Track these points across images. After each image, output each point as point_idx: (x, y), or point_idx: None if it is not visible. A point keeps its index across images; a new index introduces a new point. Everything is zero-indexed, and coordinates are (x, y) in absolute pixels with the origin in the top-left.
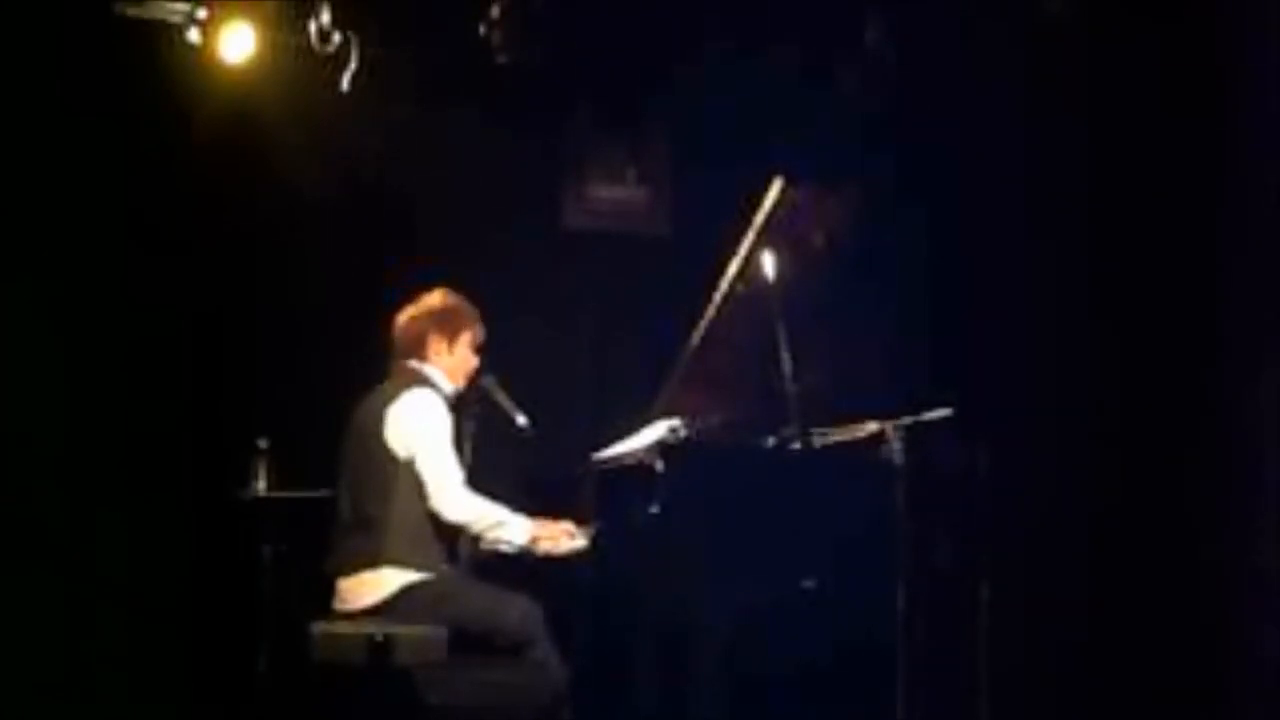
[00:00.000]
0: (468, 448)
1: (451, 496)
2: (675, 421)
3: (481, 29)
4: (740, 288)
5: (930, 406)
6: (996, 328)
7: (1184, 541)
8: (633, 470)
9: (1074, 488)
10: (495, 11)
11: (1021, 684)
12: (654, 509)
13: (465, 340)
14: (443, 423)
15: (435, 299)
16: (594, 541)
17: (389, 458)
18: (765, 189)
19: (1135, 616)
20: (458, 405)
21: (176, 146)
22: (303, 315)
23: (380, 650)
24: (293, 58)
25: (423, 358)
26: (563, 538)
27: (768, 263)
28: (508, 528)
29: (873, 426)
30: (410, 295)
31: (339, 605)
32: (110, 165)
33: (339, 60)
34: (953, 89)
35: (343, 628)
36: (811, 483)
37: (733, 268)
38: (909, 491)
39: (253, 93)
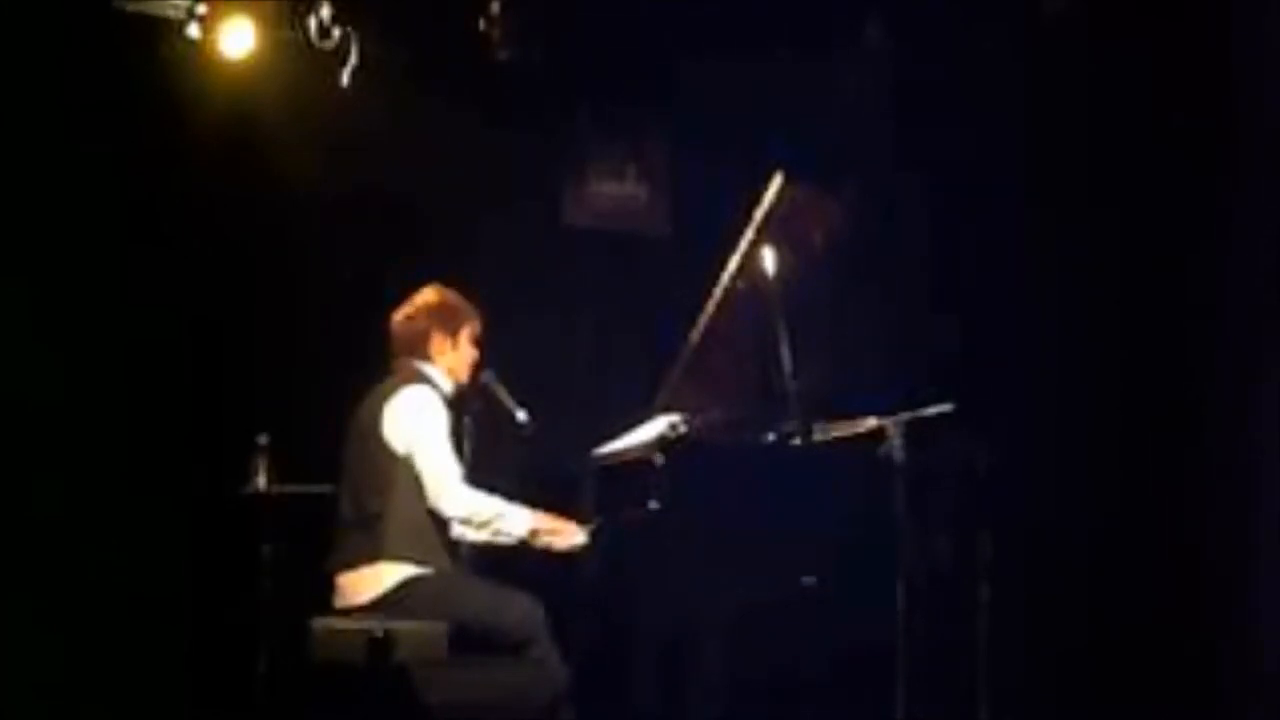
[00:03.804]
0: (468, 444)
1: (450, 493)
2: (675, 417)
3: (481, 25)
4: (740, 284)
5: (930, 403)
6: (996, 326)
7: (1184, 541)
8: (633, 466)
9: (1074, 486)
10: (495, 8)
11: (1021, 684)
12: (654, 505)
13: (466, 335)
14: (439, 419)
15: (431, 296)
16: (593, 538)
17: (387, 454)
18: (765, 186)
19: (1135, 616)
20: (458, 402)
21: (176, 142)
22: (303, 313)
23: (380, 647)
24: (292, 54)
25: (425, 356)
26: (562, 532)
27: (768, 259)
28: (507, 519)
29: (872, 423)
30: (411, 293)
31: (339, 601)
32: (109, 161)
33: (339, 56)
34: (953, 89)
35: (342, 623)
36: (811, 479)
37: (733, 264)
38: (909, 488)
39: (252, 89)
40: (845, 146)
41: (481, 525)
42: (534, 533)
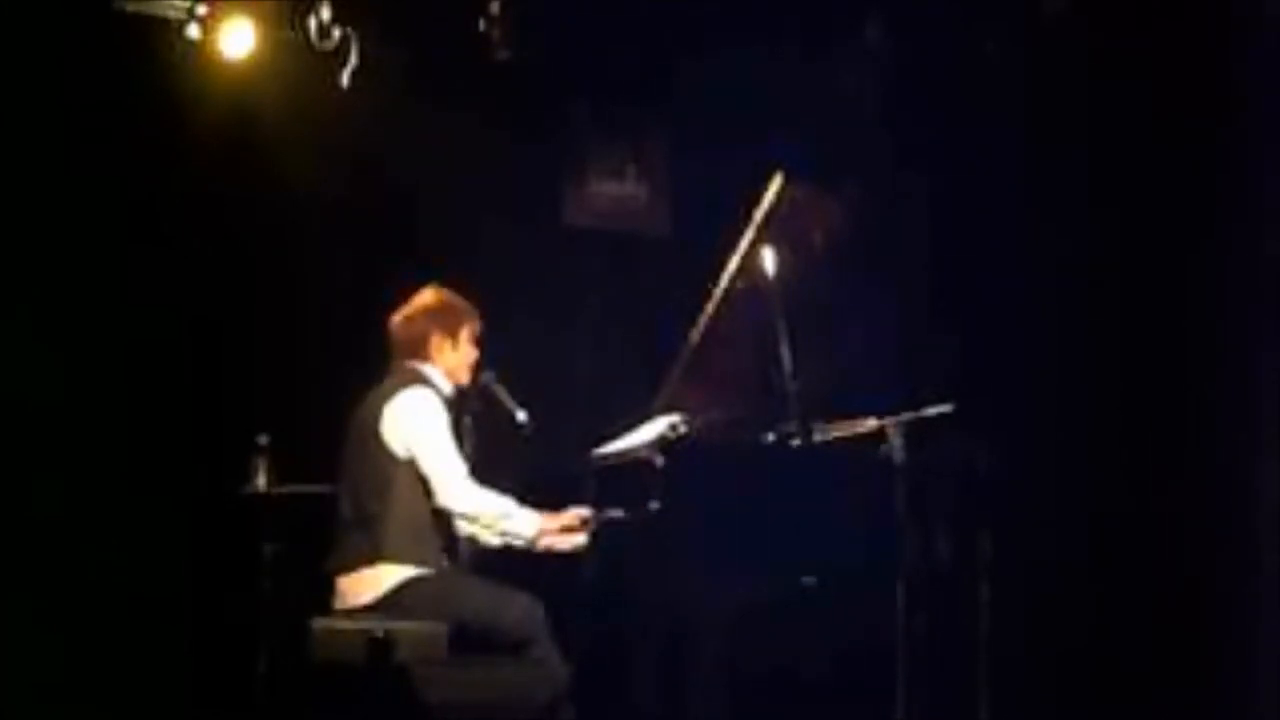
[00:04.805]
0: (468, 444)
1: (458, 490)
2: (675, 418)
3: (481, 25)
4: (740, 284)
5: (930, 404)
6: (996, 327)
7: (1184, 541)
8: (633, 467)
9: (1074, 486)
10: (495, 8)
11: (1021, 684)
12: (654, 505)
13: (466, 335)
14: (440, 419)
15: (429, 298)
16: (594, 538)
17: (387, 456)
18: (765, 186)
19: (1136, 616)
20: (458, 402)
21: (176, 143)
22: (303, 313)
23: (380, 647)
24: (292, 54)
25: (425, 357)
26: (565, 534)
27: (768, 259)
28: (515, 520)
29: (873, 423)
30: (411, 293)
31: (339, 604)
32: (109, 162)
33: (339, 57)
34: (953, 89)
35: (342, 624)
36: (811, 479)
37: (733, 264)
38: (909, 488)
39: (252, 89)
40: (845, 146)
41: (489, 524)
42: (541, 533)
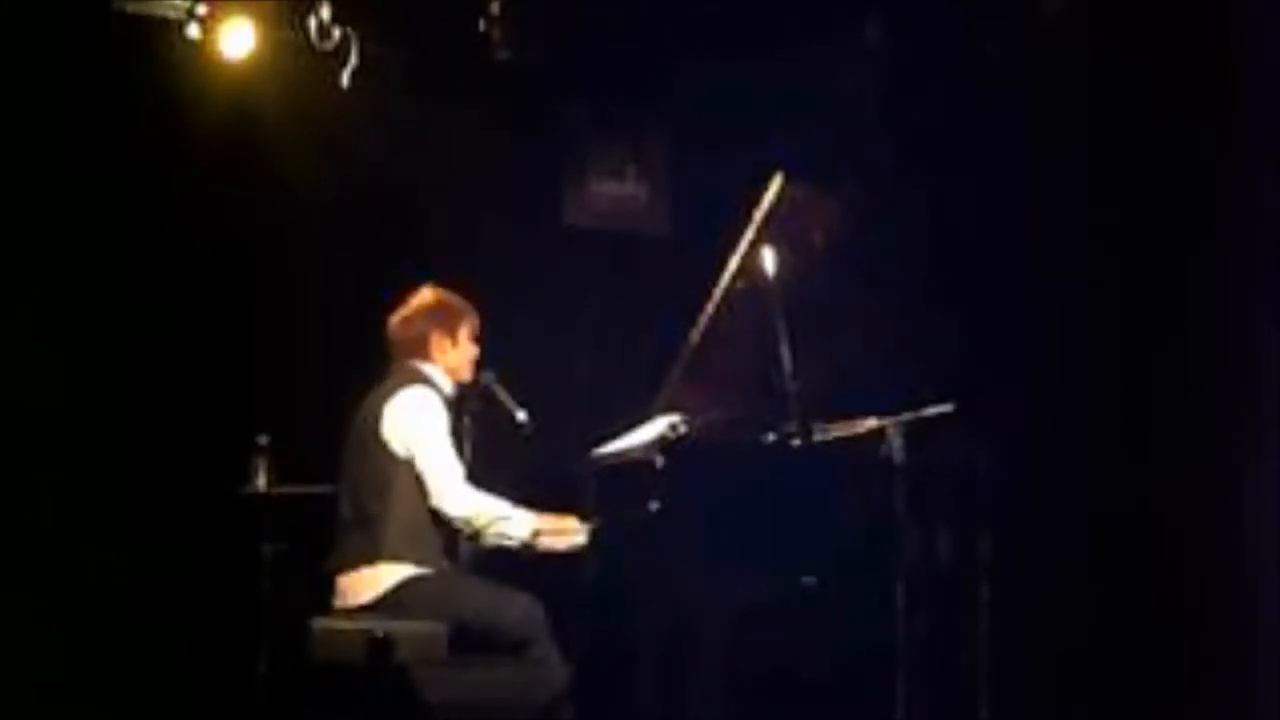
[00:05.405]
0: (468, 444)
1: (453, 493)
2: (675, 418)
3: (481, 25)
4: (740, 284)
5: (930, 404)
6: (996, 326)
7: (1185, 539)
8: (633, 467)
9: (1074, 486)
10: (495, 8)
11: (1021, 684)
12: (654, 505)
13: (465, 333)
14: (439, 419)
15: (427, 298)
16: (593, 538)
17: (387, 455)
18: (765, 186)
19: (1136, 616)
20: (458, 401)
21: (176, 143)
22: (303, 312)
23: (380, 647)
24: (292, 54)
25: (426, 357)
26: (565, 533)
27: (768, 259)
28: (510, 522)
29: (872, 423)
30: (411, 293)
31: (338, 603)
32: (109, 161)
33: (339, 57)
34: (952, 89)
35: (342, 624)
36: (811, 479)
37: (733, 264)
38: (909, 488)
39: (252, 90)
40: (845, 146)
41: (484, 526)
42: (536, 535)
